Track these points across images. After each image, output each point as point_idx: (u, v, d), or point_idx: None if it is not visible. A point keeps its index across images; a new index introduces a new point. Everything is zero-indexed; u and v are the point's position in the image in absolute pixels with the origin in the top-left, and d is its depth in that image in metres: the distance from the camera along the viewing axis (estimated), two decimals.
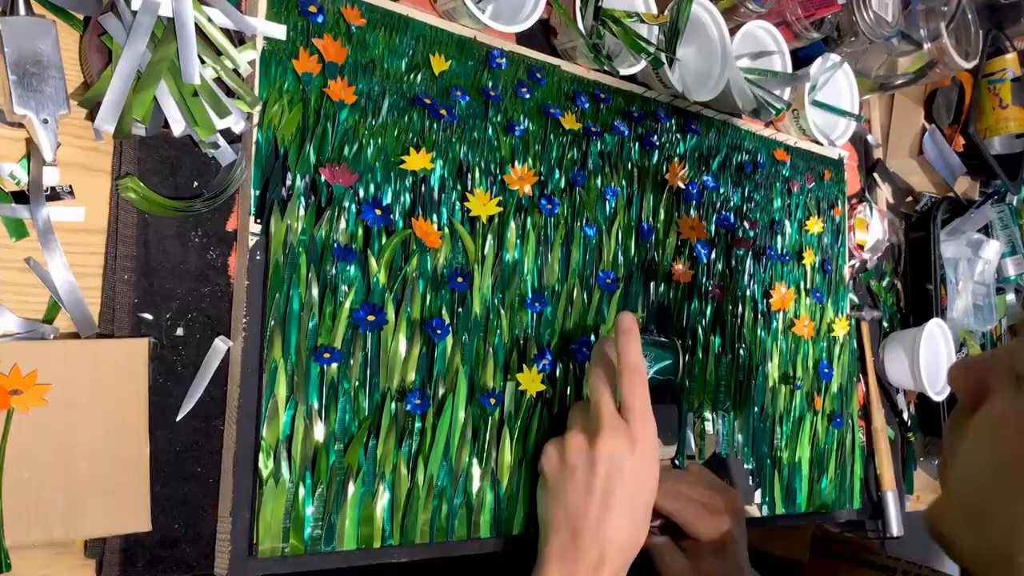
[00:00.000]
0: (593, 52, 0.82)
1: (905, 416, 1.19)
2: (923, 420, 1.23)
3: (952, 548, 0.47)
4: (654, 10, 0.88)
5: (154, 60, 0.58)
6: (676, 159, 0.92)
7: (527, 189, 0.78)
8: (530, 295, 0.77)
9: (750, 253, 0.97)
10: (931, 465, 1.26)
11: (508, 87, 0.80)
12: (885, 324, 1.19)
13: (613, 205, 0.85)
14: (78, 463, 0.55)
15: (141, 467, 0.57)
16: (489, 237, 0.75)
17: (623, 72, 0.87)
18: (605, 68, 0.86)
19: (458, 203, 0.74)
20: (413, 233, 0.70)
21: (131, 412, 0.57)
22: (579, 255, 0.81)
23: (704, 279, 0.92)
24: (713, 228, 0.94)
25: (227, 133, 0.62)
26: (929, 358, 1.14)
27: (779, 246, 1.01)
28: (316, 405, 0.63)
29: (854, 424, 1.06)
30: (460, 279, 0.72)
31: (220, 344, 0.62)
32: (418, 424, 0.68)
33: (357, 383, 0.66)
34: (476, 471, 0.71)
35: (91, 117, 0.58)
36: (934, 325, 1.15)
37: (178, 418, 0.61)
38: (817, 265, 1.05)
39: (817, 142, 1.08)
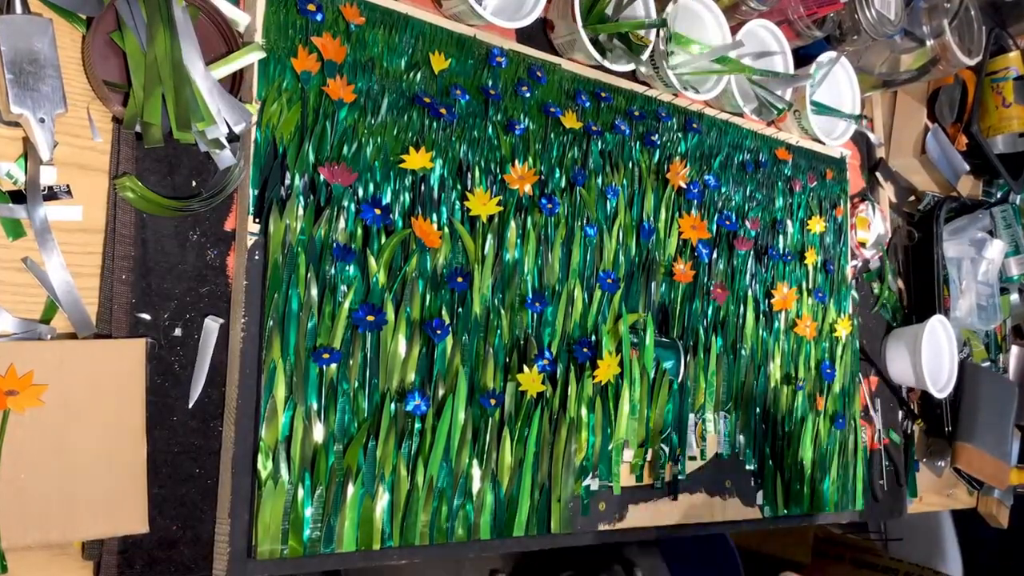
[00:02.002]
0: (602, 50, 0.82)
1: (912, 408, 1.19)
2: (925, 420, 1.22)
3: None
4: (652, 11, 0.87)
5: (158, 58, 0.58)
6: (677, 158, 0.92)
7: (527, 188, 0.78)
8: (530, 295, 0.76)
9: (752, 253, 0.97)
10: (934, 466, 1.25)
11: (508, 86, 0.79)
12: (889, 319, 1.19)
13: (614, 204, 0.85)
14: (75, 464, 0.54)
15: (138, 468, 0.57)
16: (489, 237, 0.74)
17: (617, 68, 0.86)
18: (604, 64, 0.85)
19: (458, 202, 0.74)
20: (413, 233, 0.70)
21: (128, 413, 0.57)
22: (580, 255, 0.81)
23: (705, 279, 0.91)
24: (714, 228, 0.94)
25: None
26: (931, 354, 1.13)
27: (781, 246, 1.01)
28: (315, 406, 0.63)
29: (856, 425, 1.05)
30: (460, 279, 0.71)
31: (211, 323, 0.62)
32: (418, 425, 0.68)
33: (356, 384, 0.65)
34: (476, 472, 0.70)
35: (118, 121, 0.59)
36: (936, 321, 1.14)
37: (189, 405, 0.61)
38: (819, 265, 1.04)
39: (819, 141, 1.07)
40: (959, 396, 1.19)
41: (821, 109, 1.06)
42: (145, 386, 0.58)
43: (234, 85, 0.64)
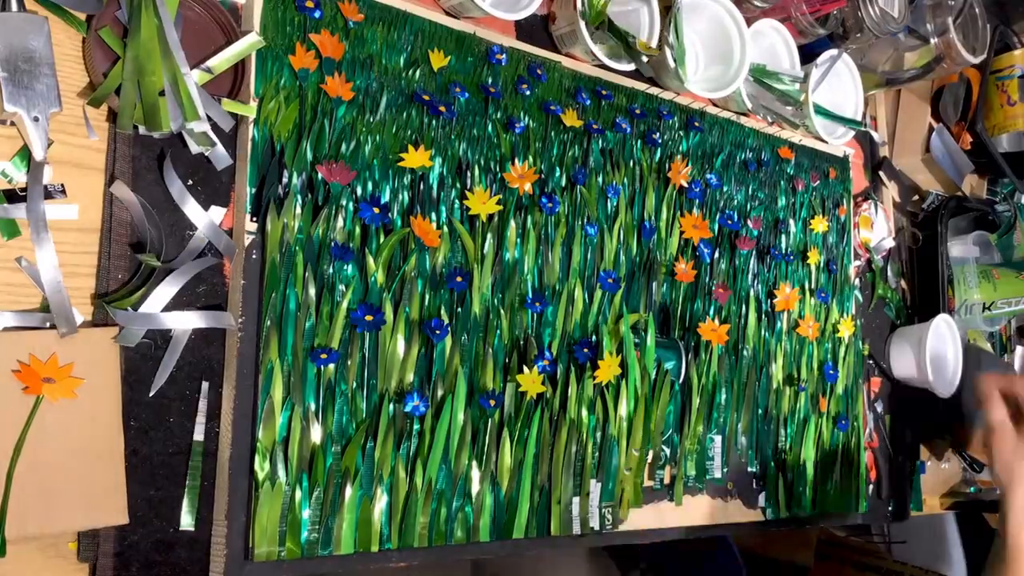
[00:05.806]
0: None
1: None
2: (928, 422, 1.21)
3: None
4: (657, 18, 0.87)
5: (140, 54, 0.58)
6: (679, 157, 0.91)
7: (527, 187, 0.77)
8: (530, 295, 0.76)
9: (754, 252, 0.96)
10: (938, 468, 1.24)
11: (508, 83, 0.79)
12: (893, 319, 1.18)
13: (615, 203, 0.84)
14: (50, 456, 0.53)
15: (116, 458, 0.56)
16: (489, 236, 0.74)
17: (619, 68, 0.86)
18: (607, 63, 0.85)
19: (457, 201, 0.73)
20: (412, 232, 0.69)
21: (103, 403, 0.56)
22: (580, 254, 0.80)
23: (707, 279, 0.91)
24: (716, 227, 0.93)
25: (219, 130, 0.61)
26: (936, 354, 1.12)
27: (783, 245, 1.00)
28: (313, 406, 0.63)
29: (859, 426, 1.05)
30: (459, 279, 0.71)
31: None
32: (416, 426, 0.67)
33: (355, 384, 0.65)
34: (475, 474, 0.70)
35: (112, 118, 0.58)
36: (941, 320, 1.13)
37: (150, 394, 0.59)
38: (822, 265, 1.03)
39: (822, 140, 1.06)
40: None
41: (822, 113, 1.05)
42: (120, 375, 0.57)
43: (236, 79, 0.63)
